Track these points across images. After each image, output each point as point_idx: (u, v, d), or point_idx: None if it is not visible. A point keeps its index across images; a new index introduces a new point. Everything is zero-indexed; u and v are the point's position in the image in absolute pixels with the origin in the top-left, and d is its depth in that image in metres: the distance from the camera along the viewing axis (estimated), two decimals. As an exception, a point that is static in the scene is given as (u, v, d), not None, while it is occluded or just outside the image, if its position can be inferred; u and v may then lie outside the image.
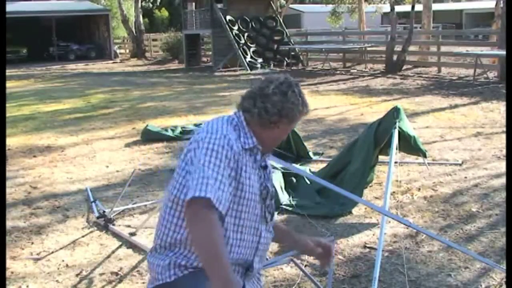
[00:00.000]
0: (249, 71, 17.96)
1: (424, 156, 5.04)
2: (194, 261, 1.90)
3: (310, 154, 6.38)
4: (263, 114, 1.91)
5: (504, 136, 7.10)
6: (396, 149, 4.29)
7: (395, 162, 4.33)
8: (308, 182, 5.09)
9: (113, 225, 4.50)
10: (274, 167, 4.93)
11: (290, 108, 1.92)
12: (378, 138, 4.64)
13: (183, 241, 1.91)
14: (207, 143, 1.82)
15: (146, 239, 4.21)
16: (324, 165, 5.77)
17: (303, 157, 6.26)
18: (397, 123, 4.42)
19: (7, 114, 9.75)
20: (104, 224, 4.52)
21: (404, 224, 3.93)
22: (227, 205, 1.78)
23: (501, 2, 15.08)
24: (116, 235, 4.33)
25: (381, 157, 5.19)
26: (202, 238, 1.64)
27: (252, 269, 2.04)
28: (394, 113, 4.48)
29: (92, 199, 5.10)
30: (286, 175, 5.13)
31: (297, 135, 6.30)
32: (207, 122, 1.96)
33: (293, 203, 4.80)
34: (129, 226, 4.54)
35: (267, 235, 2.09)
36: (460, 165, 5.94)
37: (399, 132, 4.42)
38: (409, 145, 4.64)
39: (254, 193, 1.95)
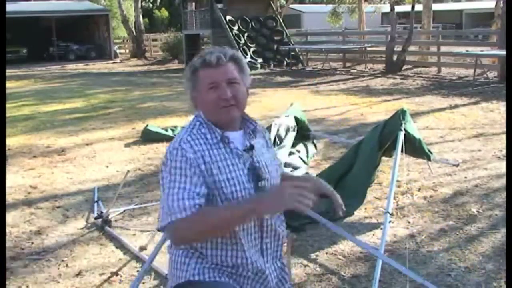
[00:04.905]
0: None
1: (429, 159, 5.01)
2: None
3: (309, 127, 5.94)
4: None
5: (504, 136, 7.09)
6: (402, 152, 4.26)
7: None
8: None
9: (110, 226, 4.47)
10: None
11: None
12: (383, 140, 4.60)
13: None
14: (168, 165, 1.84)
15: (142, 242, 4.20)
16: (323, 166, 5.75)
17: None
18: (403, 126, 4.39)
19: (7, 114, 9.74)
20: (101, 225, 4.51)
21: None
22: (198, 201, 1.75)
23: (501, 2, 15.08)
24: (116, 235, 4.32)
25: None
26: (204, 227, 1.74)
27: (264, 275, 1.88)
28: (401, 115, 4.45)
29: (96, 199, 5.10)
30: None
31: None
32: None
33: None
34: (128, 228, 4.54)
35: (272, 222, 1.89)
36: (456, 166, 5.89)
37: (404, 134, 4.38)
38: (415, 148, 4.61)
39: (237, 184, 1.82)
